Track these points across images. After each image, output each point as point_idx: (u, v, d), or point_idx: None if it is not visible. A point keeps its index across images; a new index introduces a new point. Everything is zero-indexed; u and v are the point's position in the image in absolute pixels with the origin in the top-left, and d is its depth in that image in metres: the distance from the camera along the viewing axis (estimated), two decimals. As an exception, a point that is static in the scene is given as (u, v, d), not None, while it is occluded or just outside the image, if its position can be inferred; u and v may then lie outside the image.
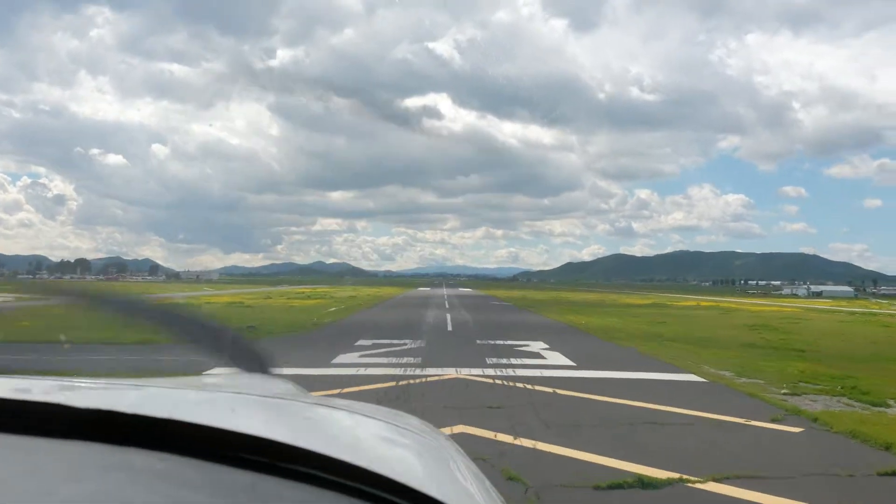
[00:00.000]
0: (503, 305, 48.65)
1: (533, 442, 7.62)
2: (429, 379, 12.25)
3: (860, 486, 6.48)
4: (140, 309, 1.79)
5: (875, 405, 10.72)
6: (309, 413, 1.04)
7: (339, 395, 8.52)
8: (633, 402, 10.18)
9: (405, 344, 18.39)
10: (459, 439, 3.38)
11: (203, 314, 1.76)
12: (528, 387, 11.49)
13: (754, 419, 9.20)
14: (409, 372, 13.04)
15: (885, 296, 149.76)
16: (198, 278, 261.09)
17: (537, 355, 16.35)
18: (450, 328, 24.76)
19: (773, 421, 9.17)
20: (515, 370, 13.55)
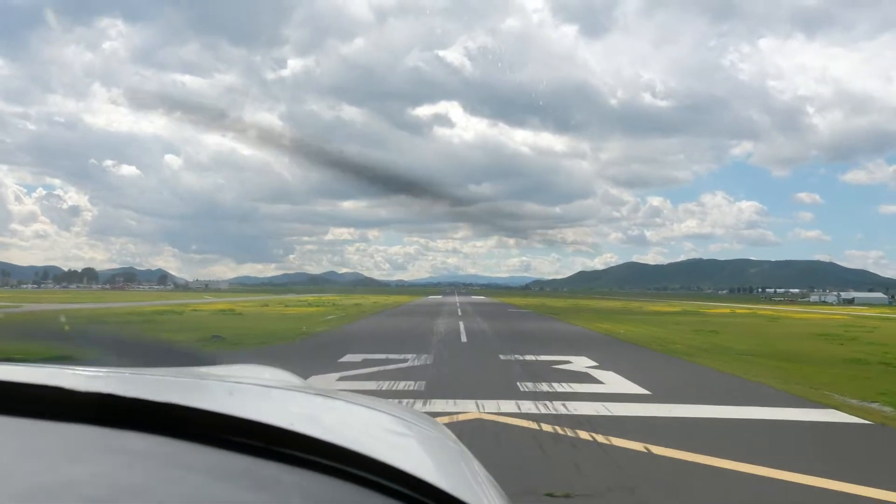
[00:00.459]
0: (522, 313, 44.03)
1: None
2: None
3: None
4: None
5: None
6: (307, 401, 1.07)
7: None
8: (801, 476, 5.59)
9: (406, 360, 13.91)
10: None
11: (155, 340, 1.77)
12: (599, 438, 6.95)
13: None
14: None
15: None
16: (206, 287, 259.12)
17: (588, 378, 11.78)
18: (464, 339, 20.25)
19: None
20: (566, 403, 9.00)
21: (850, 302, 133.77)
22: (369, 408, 1.09)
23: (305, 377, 1.48)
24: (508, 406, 8.69)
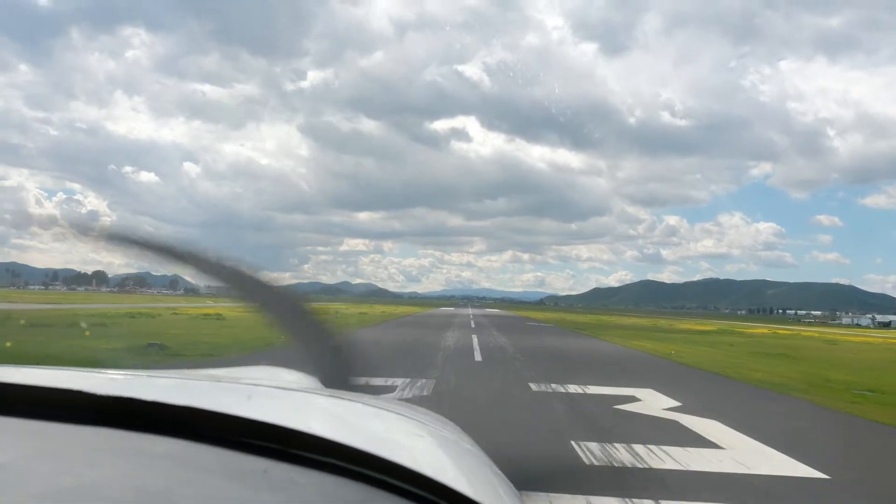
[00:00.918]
0: (543, 327, 39.25)
1: None
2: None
3: None
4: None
5: None
6: (324, 403, 1.08)
7: None
8: None
9: (393, 388, 9.41)
10: None
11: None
12: None
13: None
14: None
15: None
16: (216, 293, 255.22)
17: (683, 433, 7.11)
18: (478, 357, 15.65)
19: None
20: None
21: (887, 325, 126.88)
22: (385, 409, 1.09)
23: None
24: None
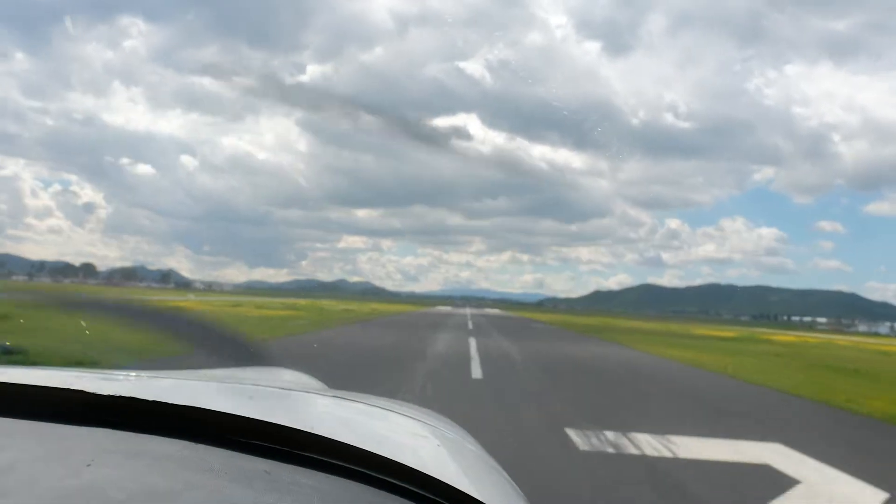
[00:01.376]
0: (552, 330, 34.71)
1: None
2: None
3: None
4: (148, 315, 1.85)
5: None
6: (327, 404, 1.08)
7: None
8: None
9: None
10: None
11: (210, 321, 1.85)
12: None
13: None
14: None
15: None
16: (210, 288, 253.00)
17: None
18: (476, 373, 11.09)
19: None
20: None
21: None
22: (389, 410, 1.09)
23: None
24: None
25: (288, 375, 1.55)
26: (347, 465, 0.69)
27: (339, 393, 1.20)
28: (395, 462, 0.69)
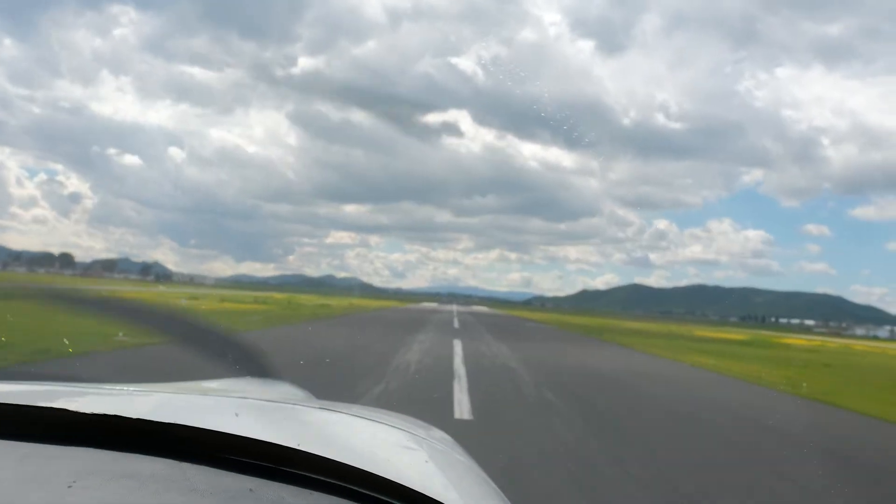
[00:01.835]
0: (548, 331, 30.57)
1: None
2: None
3: None
4: (142, 314, 1.77)
5: None
6: (313, 417, 1.06)
7: None
8: None
9: None
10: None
11: (206, 321, 1.78)
12: None
13: None
14: None
15: None
16: (191, 281, 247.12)
17: None
18: (463, 409, 6.81)
19: None
20: None
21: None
22: (376, 421, 1.07)
23: None
24: None
25: (276, 387, 1.53)
26: (335, 482, 0.67)
27: (325, 404, 1.18)
28: (382, 478, 0.67)
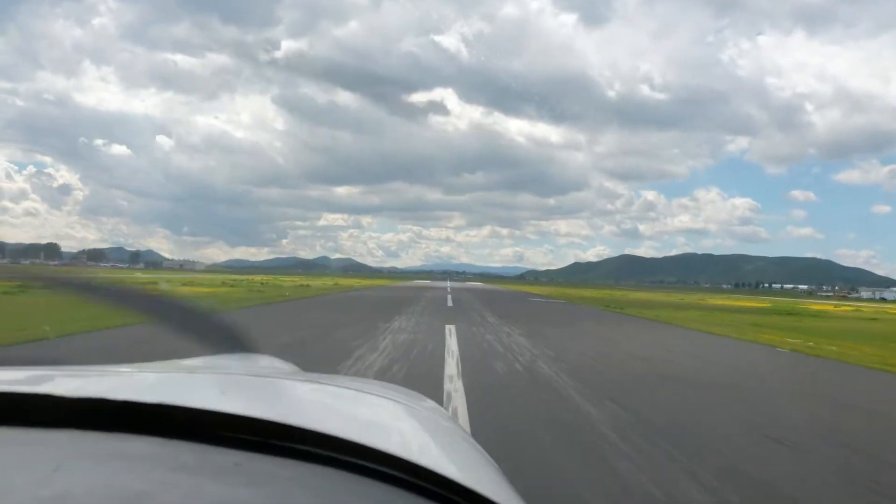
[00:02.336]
0: (560, 305, 26.23)
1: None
2: None
3: None
4: (123, 295, 1.73)
5: None
6: (299, 389, 1.05)
7: None
8: None
9: None
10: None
11: (187, 300, 1.71)
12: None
13: None
14: None
15: None
16: (181, 267, 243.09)
17: None
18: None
19: None
20: None
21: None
22: (365, 392, 1.07)
23: None
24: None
25: (261, 361, 1.51)
26: (325, 453, 0.67)
27: (312, 376, 1.17)
28: (371, 448, 0.67)
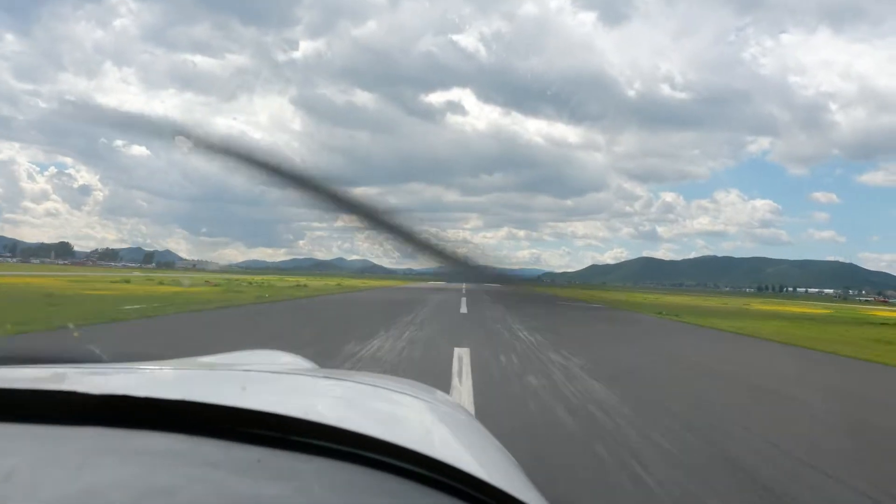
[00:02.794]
0: (603, 311, 22.13)
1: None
2: None
3: None
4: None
5: None
6: (320, 385, 1.08)
7: None
8: None
9: None
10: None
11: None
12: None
13: None
14: None
15: None
16: (194, 267, 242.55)
17: None
18: None
19: None
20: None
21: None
22: (382, 388, 1.08)
23: None
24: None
25: (282, 358, 1.51)
26: (346, 449, 0.68)
27: (330, 373, 1.19)
28: (389, 443, 0.68)
